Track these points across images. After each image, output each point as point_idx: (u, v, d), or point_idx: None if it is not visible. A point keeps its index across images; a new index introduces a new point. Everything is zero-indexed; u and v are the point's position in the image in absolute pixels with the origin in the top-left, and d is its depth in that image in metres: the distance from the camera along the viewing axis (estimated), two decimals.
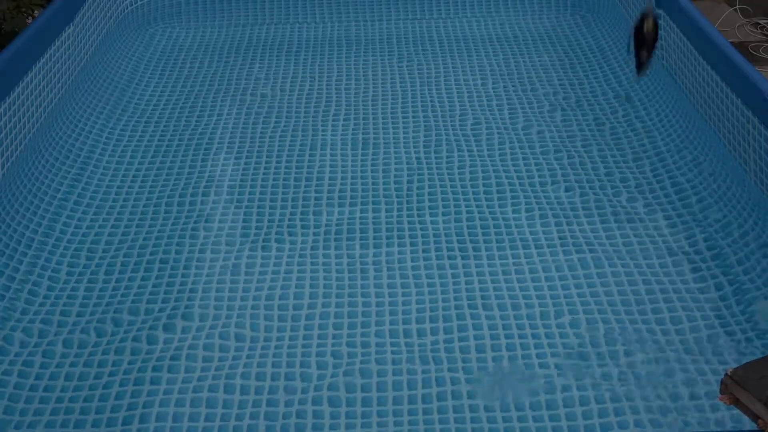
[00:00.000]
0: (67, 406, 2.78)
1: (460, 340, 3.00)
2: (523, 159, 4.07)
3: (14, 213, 3.61)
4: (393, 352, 2.97)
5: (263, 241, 3.56)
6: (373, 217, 3.69)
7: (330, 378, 2.87)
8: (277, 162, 4.10)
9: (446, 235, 3.56)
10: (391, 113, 4.53)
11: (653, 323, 3.07)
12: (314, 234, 3.59)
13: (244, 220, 3.69)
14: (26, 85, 3.96)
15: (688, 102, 4.27)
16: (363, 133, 4.33)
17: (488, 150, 4.16)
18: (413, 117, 4.48)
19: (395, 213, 3.71)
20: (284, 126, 4.42)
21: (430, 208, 3.74)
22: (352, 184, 3.92)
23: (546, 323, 3.07)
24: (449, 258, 3.43)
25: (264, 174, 4.01)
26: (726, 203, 3.62)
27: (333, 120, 4.47)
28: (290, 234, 3.60)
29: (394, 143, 4.24)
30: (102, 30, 5.10)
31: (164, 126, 4.43)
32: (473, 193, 3.83)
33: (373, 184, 3.92)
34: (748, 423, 2.58)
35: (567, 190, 3.82)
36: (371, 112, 4.54)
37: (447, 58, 5.12)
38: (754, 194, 3.54)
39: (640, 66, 2.62)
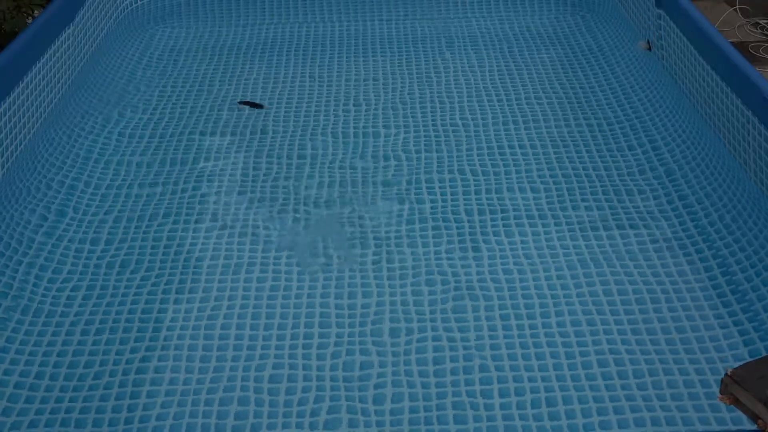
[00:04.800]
0: (68, 406, 2.78)
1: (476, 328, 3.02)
2: (523, 158, 4.07)
3: (14, 213, 3.61)
4: (392, 341, 2.98)
5: (264, 239, 3.56)
6: (373, 215, 3.69)
7: (342, 389, 2.88)
8: (277, 161, 4.10)
9: (447, 233, 3.56)
10: (392, 112, 4.53)
11: (653, 321, 3.07)
12: (312, 234, 3.60)
13: (244, 219, 3.69)
14: (26, 85, 3.96)
15: (688, 102, 4.27)
16: (363, 133, 4.34)
17: (488, 149, 4.16)
18: (413, 116, 4.48)
19: (395, 211, 3.71)
20: (284, 125, 4.42)
21: (431, 206, 3.74)
22: (351, 183, 3.92)
23: (547, 322, 3.08)
24: (447, 255, 3.43)
25: (264, 173, 4.01)
26: (726, 203, 3.62)
27: (333, 120, 4.47)
28: (292, 232, 3.60)
29: (394, 142, 4.24)
30: (102, 30, 5.10)
31: (164, 126, 4.43)
32: (475, 191, 3.83)
33: (372, 183, 3.92)
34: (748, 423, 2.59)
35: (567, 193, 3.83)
36: (371, 112, 4.54)
37: (447, 58, 5.12)
38: (754, 194, 3.54)
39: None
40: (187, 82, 4.90)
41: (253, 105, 4.10)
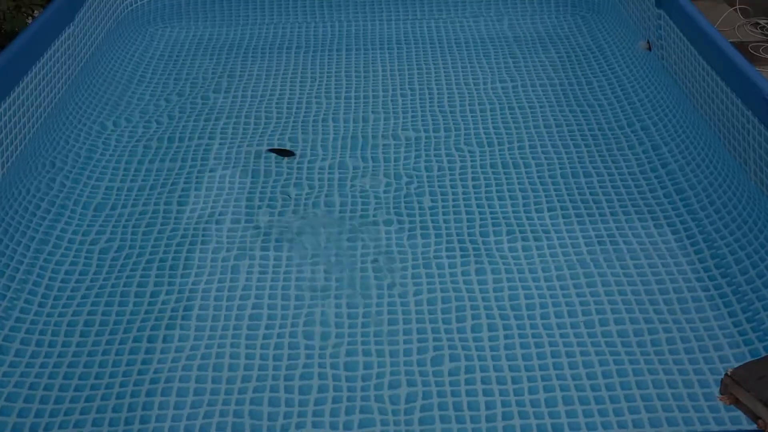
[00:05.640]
0: (68, 407, 2.78)
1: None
2: (522, 159, 4.07)
3: (14, 213, 3.61)
4: (390, 340, 2.98)
5: (263, 239, 3.56)
6: (373, 215, 3.69)
7: (333, 391, 2.88)
8: (277, 162, 4.10)
9: (447, 234, 3.56)
10: (393, 113, 4.53)
11: (653, 322, 3.07)
12: (313, 234, 3.60)
13: (245, 220, 3.69)
14: (26, 85, 3.96)
15: (688, 102, 4.27)
16: (362, 133, 4.34)
17: (489, 149, 4.16)
18: (413, 117, 4.48)
19: (394, 211, 3.71)
20: (284, 126, 4.42)
21: (430, 206, 3.74)
22: (351, 183, 3.92)
23: (546, 323, 3.08)
24: (448, 258, 3.43)
25: (264, 173, 4.01)
26: (726, 203, 3.62)
27: (333, 120, 4.47)
28: (289, 233, 3.60)
29: (395, 143, 4.24)
30: (102, 30, 5.10)
31: (164, 125, 4.43)
32: (474, 192, 3.83)
33: (372, 182, 3.92)
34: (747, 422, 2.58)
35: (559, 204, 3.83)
36: (371, 112, 4.54)
37: (447, 58, 5.12)
38: (754, 194, 3.54)
39: None
40: (187, 81, 4.90)
41: (281, 152, 4.04)
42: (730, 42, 4.09)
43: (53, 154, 4.06)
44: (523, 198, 3.79)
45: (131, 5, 5.57)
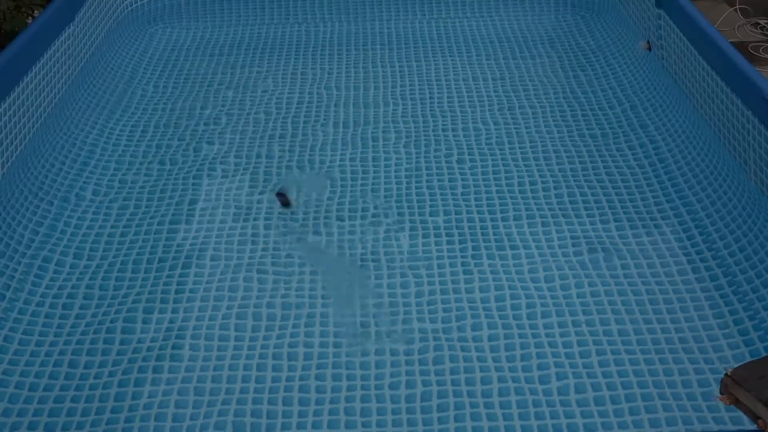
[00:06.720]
0: (69, 407, 2.78)
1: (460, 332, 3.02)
2: (523, 159, 4.07)
3: (14, 213, 3.61)
4: (390, 341, 2.99)
5: (263, 238, 3.56)
6: (373, 216, 3.69)
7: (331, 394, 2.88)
8: (278, 162, 4.10)
9: (447, 234, 3.56)
10: (392, 113, 4.53)
11: (653, 322, 3.07)
12: (314, 233, 3.60)
13: (244, 219, 3.69)
14: (26, 85, 3.96)
15: (688, 102, 4.27)
16: (362, 133, 4.34)
17: (488, 150, 4.16)
18: (413, 117, 4.48)
19: (394, 212, 3.71)
20: (283, 126, 4.42)
21: (430, 207, 3.74)
22: (351, 184, 3.92)
23: (547, 322, 3.08)
24: (449, 257, 3.43)
25: (265, 173, 4.01)
26: (726, 203, 3.62)
27: (333, 120, 4.47)
28: (290, 234, 3.60)
29: (395, 143, 4.24)
30: (102, 30, 5.10)
31: (164, 126, 4.43)
32: (474, 192, 3.84)
33: (373, 183, 3.92)
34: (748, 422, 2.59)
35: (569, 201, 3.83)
36: (371, 112, 4.54)
37: (447, 58, 5.12)
38: (754, 194, 3.54)
39: None
40: (187, 81, 4.90)
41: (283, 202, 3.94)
42: (730, 42, 4.09)
43: (53, 154, 4.06)
44: (523, 197, 3.78)
45: (131, 5, 5.57)
